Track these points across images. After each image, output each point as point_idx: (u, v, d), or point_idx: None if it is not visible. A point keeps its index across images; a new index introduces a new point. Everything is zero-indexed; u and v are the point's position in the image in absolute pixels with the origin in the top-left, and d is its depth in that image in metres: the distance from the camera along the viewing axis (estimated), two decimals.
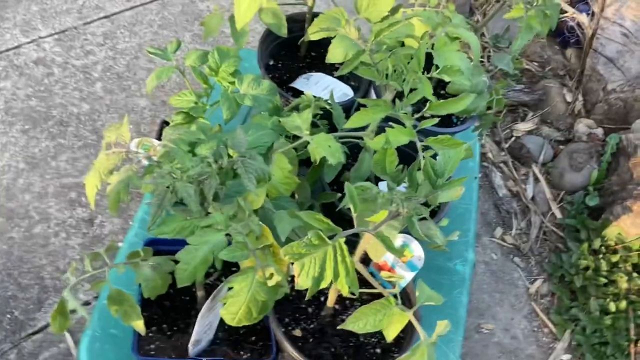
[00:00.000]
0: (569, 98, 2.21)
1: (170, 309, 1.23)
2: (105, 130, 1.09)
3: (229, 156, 1.03)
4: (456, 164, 0.94)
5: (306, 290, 0.90)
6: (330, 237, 0.91)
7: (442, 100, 1.06)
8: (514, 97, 2.19)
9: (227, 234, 0.98)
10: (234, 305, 0.96)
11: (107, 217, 1.68)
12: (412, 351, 0.95)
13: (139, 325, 1.06)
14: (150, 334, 1.19)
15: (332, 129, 1.33)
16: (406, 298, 1.27)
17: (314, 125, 1.36)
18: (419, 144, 1.06)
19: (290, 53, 1.72)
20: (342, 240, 0.90)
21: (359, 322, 0.96)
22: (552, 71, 2.30)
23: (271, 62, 1.69)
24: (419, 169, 0.96)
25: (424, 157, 1.01)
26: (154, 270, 1.05)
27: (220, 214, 0.97)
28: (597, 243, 1.87)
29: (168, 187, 0.96)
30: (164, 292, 1.07)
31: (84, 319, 1.54)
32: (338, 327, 0.97)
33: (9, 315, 1.48)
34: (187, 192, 0.94)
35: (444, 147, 1.03)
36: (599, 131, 2.14)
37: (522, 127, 2.17)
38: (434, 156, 1.02)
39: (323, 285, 0.91)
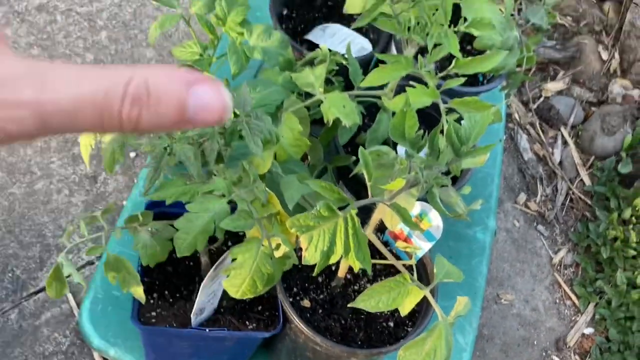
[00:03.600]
0: (604, 56, 2.07)
1: (173, 275, 1.17)
2: None
3: (235, 115, 0.94)
4: (483, 130, 0.84)
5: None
6: (342, 208, 0.83)
7: (469, 58, 0.96)
8: (545, 54, 2.05)
9: (231, 201, 0.91)
10: (238, 277, 0.89)
11: (111, 174, 1.62)
12: (428, 332, 0.87)
13: (138, 292, 1.01)
14: (152, 301, 1.13)
15: (348, 85, 1.24)
16: (422, 269, 1.19)
17: (328, 82, 1.26)
18: (442, 106, 0.96)
19: (305, 2, 1.60)
20: (354, 212, 0.82)
21: (370, 301, 0.88)
22: (587, 26, 2.15)
23: (285, 12, 1.58)
24: (442, 134, 0.86)
25: (447, 121, 0.91)
26: (153, 237, 0.98)
27: (223, 179, 0.89)
28: (627, 213, 1.77)
29: (166, 148, 0.88)
30: (164, 260, 1.00)
31: (87, 279, 1.50)
32: (349, 305, 0.90)
33: (10, 274, 1.43)
34: (185, 155, 0.86)
35: (470, 110, 0.93)
36: (635, 93, 2.00)
37: (552, 86, 2.03)
38: (459, 120, 0.93)
39: (333, 260, 0.83)
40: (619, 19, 2.07)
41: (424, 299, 0.94)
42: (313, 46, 1.47)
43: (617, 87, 2.00)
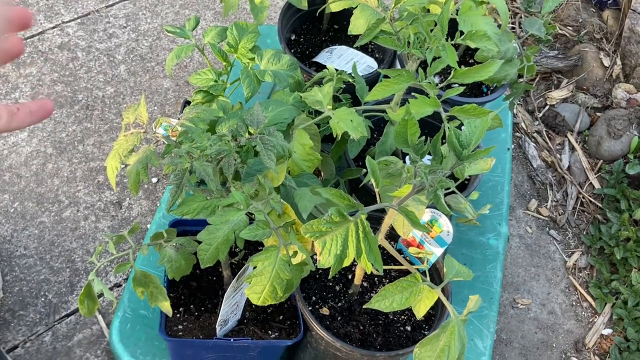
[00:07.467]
0: (606, 62, 2.11)
1: (197, 290, 1.23)
2: (124, 112, 1.08)
3: (249, 134, 1.00)
4: (482, 134, 0.89)
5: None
6: (353, 214, 0.88)
7: (466, 68, 1.01)
8: (548, 63, 2.10)
9: (249, 213, 0.96)
10: (259, 284, 0.95)
11: (135, 199, 1.69)
12: (442, 328, 0.91)
13: (166, 306, 1.06)
14: (178, 315, 1.19)
15: (355, 102, 1.30)
16: (436, 274, 1.24)
17: (336, 99, 1.32)
18: (443, 114, 1.02)
19: (312, 27, 1.68)
20: (364, 216, 0.87)
21: (384, 301, 0.93)
22: (587, 35, 2.20)
23: (293, 37, 1.65)
24: (443, 140, 0.92)
25: (448, 127, 0.97)
26: (177, 251, 1.04)
27: (240, 193, 0.95)
28: (638, 213, 1.80)
29: (186, 167, 0.94)
30: (189, 273, 1.06)
31: (117, 300, 1.56)
32: (364, 307, 0.95)
33: (42, 299, 1.50)
34: (205, 172, 0.92)
35: (469, 116, 0.99)
36: (639, 96, 2.04)
37: (557, 94, 2.08)
38: (460, 126, 0.98)
39: (346, 263, 0.88)
40: (619, 26, 2.12)
41: (439, 302, 0.98)
42: (321, 68, 1.54)
43: (621, 91, 2.04)
